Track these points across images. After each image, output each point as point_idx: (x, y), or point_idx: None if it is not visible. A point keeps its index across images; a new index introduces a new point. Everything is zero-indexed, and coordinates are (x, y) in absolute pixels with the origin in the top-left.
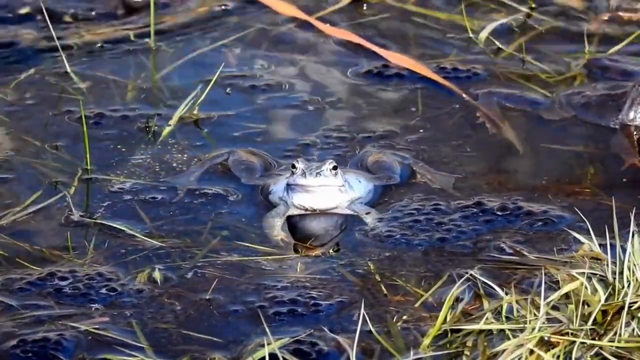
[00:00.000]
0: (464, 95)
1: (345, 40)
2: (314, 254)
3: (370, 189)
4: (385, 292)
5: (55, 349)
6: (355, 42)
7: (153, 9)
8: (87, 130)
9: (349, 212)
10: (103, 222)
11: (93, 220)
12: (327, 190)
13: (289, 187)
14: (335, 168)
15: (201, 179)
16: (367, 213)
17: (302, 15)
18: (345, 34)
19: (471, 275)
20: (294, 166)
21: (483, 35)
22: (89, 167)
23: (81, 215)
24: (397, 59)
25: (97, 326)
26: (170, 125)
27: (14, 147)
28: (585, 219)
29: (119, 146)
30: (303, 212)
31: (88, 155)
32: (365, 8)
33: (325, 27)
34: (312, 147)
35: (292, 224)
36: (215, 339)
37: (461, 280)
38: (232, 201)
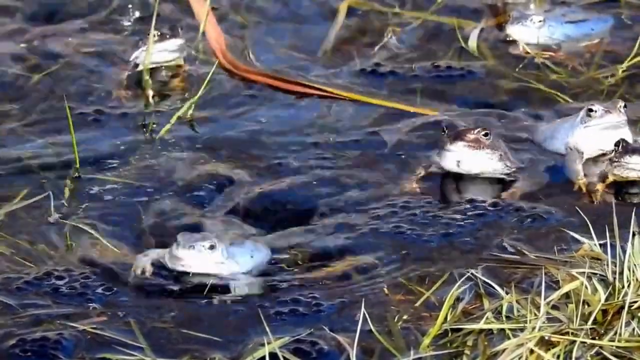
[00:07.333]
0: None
1: None
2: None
3: (262, 260)
4: (386, 291)
5: (54, 349)
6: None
7: None
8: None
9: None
10: (84, 223)
11: (71, 223)
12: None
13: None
14: (212, 247)
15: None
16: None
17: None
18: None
19: (472, 274)
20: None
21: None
22: (77, 166)
23: (60, 218)
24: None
25: (95, 325)
26: (170, 123)
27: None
28: (586, 219)
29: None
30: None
31: (76, 154)
32: None
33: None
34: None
35: None
36: (215, 338)
37: (462, 280)
38: None
